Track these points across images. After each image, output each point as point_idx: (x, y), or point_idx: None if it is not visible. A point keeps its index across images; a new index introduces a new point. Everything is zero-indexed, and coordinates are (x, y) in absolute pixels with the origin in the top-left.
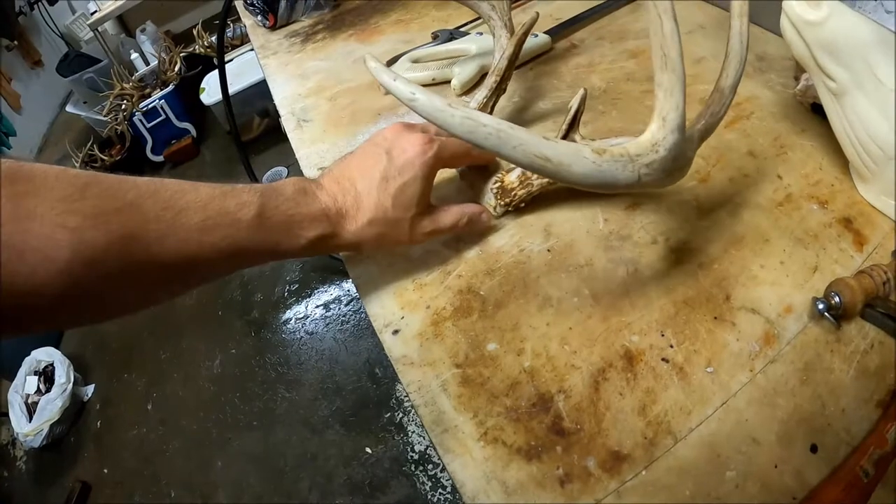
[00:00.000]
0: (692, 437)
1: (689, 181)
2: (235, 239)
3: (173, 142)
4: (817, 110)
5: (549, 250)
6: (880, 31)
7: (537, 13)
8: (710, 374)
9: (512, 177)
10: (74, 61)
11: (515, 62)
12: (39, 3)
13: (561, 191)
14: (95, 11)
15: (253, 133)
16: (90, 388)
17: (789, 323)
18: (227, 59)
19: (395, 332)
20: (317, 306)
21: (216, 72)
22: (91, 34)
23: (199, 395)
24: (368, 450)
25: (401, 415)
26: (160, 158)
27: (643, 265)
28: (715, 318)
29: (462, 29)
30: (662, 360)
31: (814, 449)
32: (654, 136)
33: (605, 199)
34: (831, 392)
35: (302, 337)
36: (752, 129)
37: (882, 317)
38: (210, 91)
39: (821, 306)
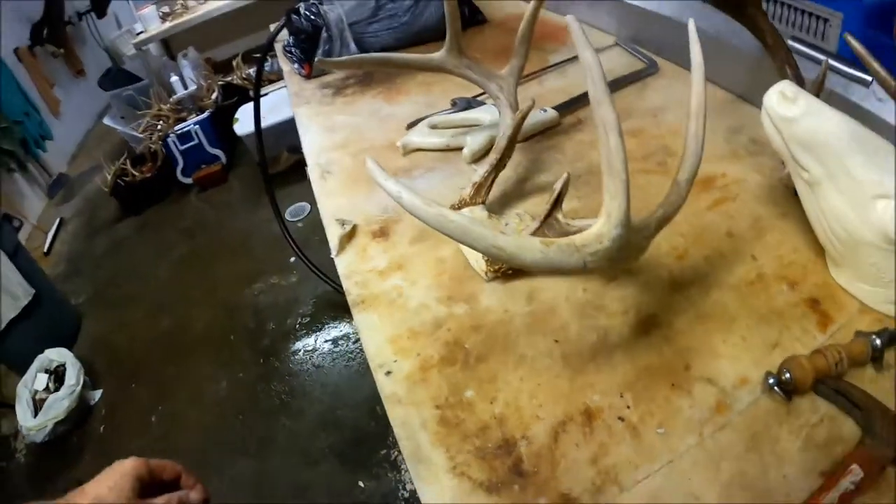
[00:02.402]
0: (637, 489)
1: (667, 258)
2: None
3: (203, 166)
4: None
5: (530, 314)
6: (853, 127)
7: (533, 101)
8: (660, 435)
9: None
10: (116, 76)
11: (515, 141)
12: (88, 15)
13: None
14: (141, 32)
15: (280, 166)
16: (98, 393)
17: (742, 394)
18: (262, 93)
19: (388, 373)
20: (326, 341)
21: (251, 104)
22: (133, 50)
23: (202, 416)
24: (361, 484)
25: (396, 453)
26: (189, 181)
27: (613, 333)
28: (672, 385)
29: (479, 98)
30: (619, 418)
31: None
32: (599, 230)
33: None
34: (777, 460)
35: (308, 369)
36: (734, 210)
37: (834, 393)
38: (243, 122)
39: (771, 381)
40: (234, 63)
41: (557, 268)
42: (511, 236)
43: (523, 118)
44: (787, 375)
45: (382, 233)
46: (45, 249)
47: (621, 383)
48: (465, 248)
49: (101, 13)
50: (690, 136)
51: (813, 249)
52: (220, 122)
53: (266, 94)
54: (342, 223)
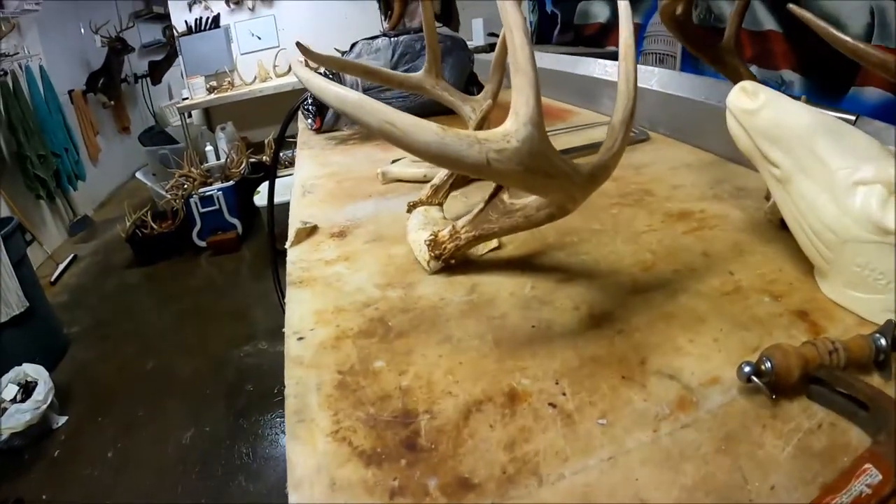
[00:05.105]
0: (562, 484)
1: (631, 268)
2: None
3: (219, 232)
4: (786, 227)
5: (468, 302)
6: (816, 115)
7: (492, 103)
8: (601, 426)
9: (444, 232)
10: (156, 136)
11: None
12: (144, 79)
13: (496, 261)
14: (187, 98)
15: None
16: (62, 419)
17: (713, 393)
18: (286, 173)
19: (300, 338)
20: None
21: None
22: (178, 121)
23: (161, 459)
24: None
25: None
26: (203, 244)
27: (557, 324)
28: (623, 377)
29: None
30: (549, 404)
31: None
32: (506, 128)
33: (539, 273)
34: (758, 467)
35: (277, 435)
36: (712, 237)
37: (832, 394)
38: (263, 195)
39: (747, 369)
40: (266, 142)
41: (455, 157)
42: (406, 114)
43: (482, 122)
44: (768, 364)
45: (341, 234)
46: (53, 279)
47: (559, 370)
48: (412, 241)
49: (156, 80)
50: (622, 78)
51: (801, 269)
52: (242, 194)
53: (290, 174)
54: (304, 223)
